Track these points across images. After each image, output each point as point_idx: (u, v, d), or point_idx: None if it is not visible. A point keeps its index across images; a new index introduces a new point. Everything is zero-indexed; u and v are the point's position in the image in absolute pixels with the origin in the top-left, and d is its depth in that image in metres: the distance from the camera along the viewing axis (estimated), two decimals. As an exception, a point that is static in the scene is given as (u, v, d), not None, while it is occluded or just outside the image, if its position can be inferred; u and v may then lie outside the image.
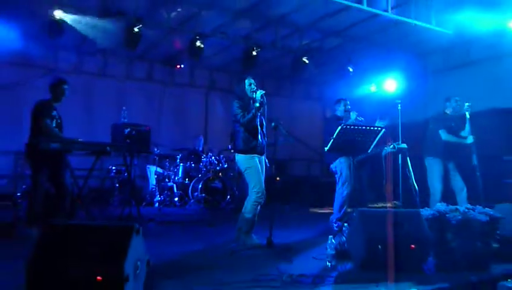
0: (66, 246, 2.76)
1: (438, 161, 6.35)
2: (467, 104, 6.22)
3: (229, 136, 8.98)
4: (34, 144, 5.27)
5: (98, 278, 2.55)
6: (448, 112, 6.51)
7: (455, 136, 6.36)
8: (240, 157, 4.99)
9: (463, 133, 6.30)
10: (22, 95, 8.87)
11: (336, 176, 6.20)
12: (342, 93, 10.58)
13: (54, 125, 5.50)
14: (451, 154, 6.33)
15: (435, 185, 6.30)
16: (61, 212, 5.32)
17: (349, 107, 6.33)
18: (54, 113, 5.54)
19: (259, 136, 4.94)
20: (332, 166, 6.22)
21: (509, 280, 3.52)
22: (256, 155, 4.93)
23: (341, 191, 6.06)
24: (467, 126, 6.24)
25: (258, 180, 4.85)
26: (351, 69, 10.12)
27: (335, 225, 5.93)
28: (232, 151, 7.72)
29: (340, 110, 6.39)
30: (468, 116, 6.22)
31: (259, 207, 4.89)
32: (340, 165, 6.10)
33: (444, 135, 6.37)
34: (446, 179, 6.32)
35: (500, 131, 8.41)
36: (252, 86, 5.01)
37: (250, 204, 4.85)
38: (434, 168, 6.35)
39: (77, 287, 2.60)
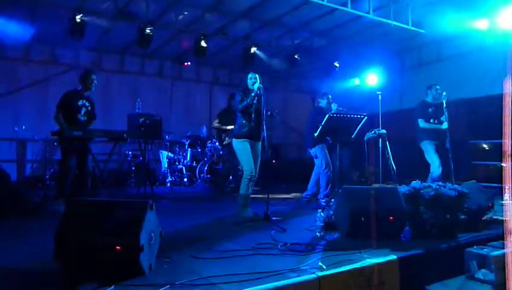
0: (89, 220, 2.74)
1: (430, 142, 6.34)
2: (444, 93, 6.19)
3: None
4: (60, 132, 5.26)
5: (117, 247, 2.54)
6: (428, 100, 6.50)
7: (432, 122, 6.35)
8: (233, 141, 5.12)
9: (442, 118, 6.28)
10: (49, 89, 8.86)
11: (316, 159, 6.26)
12: (329, 86, 10.57)
13: (83, 112, 5.44)
14: (433, 137, 6.33)
15: (434, 159, 6.29)
16: (84, 191, 5.31)
17: (331, 100, 6.45)
18: (81, 102, 5.44)
19: (252, 123, 4.95)
20: (311, 151, 6.28)
21: (475, 246, 3.53)
22: (247, 140, 4.98)
23: (324, 173, 6.10)
24: (444, 113, 6.22)
25: (247, 161, 4.94)
26: (337, 65, 10.06)
27: (322, 200, 5.94)
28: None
29: (323, 102, 6.48)
30: (445, 104, 6.19)
31: (251, 184, 4.94)
32: (319, 151, 6.15)
33: (421, 123, 6.38)
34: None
35: (465, 118, 8.41)
36: (253, 79, 5.03)
37: (242, 181, 4.96)
38: (429, 148, 6.34)
39: (98, 256, 2.60)
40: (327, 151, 6.16)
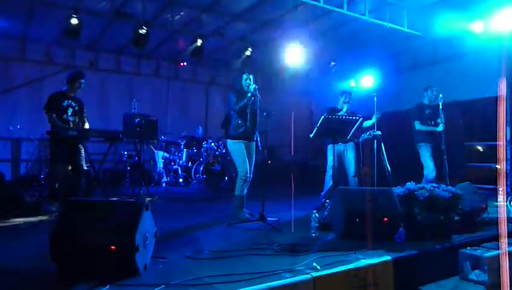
0: (84, 220, 2.75)
1: (426, 145, 6.35)
2: (440, 95, 6.21)
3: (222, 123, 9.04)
4: (54, 133, 5.26)
5: (112, 247, 2.55)
6: (425, 101, 6.51)
7: (429, 123, 6.36)
8: (228, 142, 5.14)
9: (438, 120, 6.30)
10: (44, 89, 8.82)
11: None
12: (325, 87, 10.59)
13: (70, 113, 5.44)
14: (429, 139, 6.35)
15: (428, 163, 6.28)
16: (79, 191, 5.31)
17: (348, 100, 6.23)
18: (66, 103, 5.43)
19: (248, 124, 4.98)
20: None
21: (468, 247, 3.56)
22: (242, 141, 5.01)
23: (327, 173, 6.13)
24: (441, 114, 6.24)
25: (242, 161, 4.97)
26: (333, 63, 10.11)
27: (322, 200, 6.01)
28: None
29: (340, 102, 6.29)
30: (441, 106, 6.22)
31: (246, 185, 4.98)
32: (326, 152, 6.14)
33: (417, 125, 6.39)
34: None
35: (460, 120, 8.46)
36: (248, 80, 5.04)
37: (237, 182, 4.99)
38: (424, 151, 6.35)
39: (93, 256, 2.60)
40: (335, 152, 5.92)
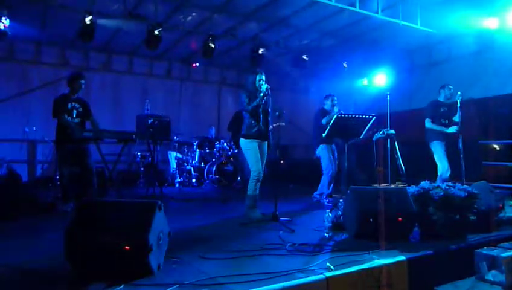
0: (98, 220, 2.77)
1: (439, 143, 6.24)
2: (458, 93, 6.11)
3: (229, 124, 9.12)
4: (64, 134, 5.33)
5: (126, 247, 2.56)
6: (441, 99, 6.40)
7: (443, 122, 6.24)
8: (242, 141, 5.11)
9: (455, 118, 6.18)
10: (59, 91, 8.92)
11: (321, 160, 6.33)
12: (337, 87, 10.55)
13: (75, 115, 5.47)
14: (442, 137, 6.25)
15: (443, 162, 6.16)
16: (91, 191, 5.36)
17: (336, 102, 6.43)
18: (70, 105, 5.44)
19: (261, 123, 4.97)
20: (316, 152, 6.33)
21: (485, 247, 3.50)
22: (255, 140, 4.99)
23: (327, 172, 6.16)
24: (458, 113, 6.11)
25: (255, 161, 4.95)
26: (345, 65, 10.04)
27: (326, 201, 6.17)
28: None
29: (327, 104, 6.47)
30: (459, 104, 6.10)
31: (258, 184, 4.97)
32: (322, 151, 6.21)
33: (428, 123, 6.28)
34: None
35: (476, 118, 8.32)
36: (260, 81, 5.02)
37: (250, 182, 4.97)
38: (438, 149, 6.23)
39: (107, 255, 2.62)
40: (331, 152, 6.25)
